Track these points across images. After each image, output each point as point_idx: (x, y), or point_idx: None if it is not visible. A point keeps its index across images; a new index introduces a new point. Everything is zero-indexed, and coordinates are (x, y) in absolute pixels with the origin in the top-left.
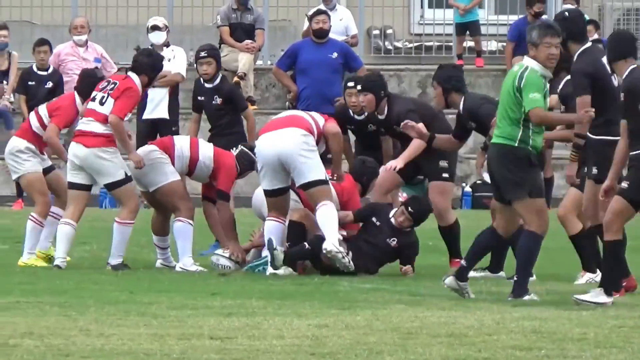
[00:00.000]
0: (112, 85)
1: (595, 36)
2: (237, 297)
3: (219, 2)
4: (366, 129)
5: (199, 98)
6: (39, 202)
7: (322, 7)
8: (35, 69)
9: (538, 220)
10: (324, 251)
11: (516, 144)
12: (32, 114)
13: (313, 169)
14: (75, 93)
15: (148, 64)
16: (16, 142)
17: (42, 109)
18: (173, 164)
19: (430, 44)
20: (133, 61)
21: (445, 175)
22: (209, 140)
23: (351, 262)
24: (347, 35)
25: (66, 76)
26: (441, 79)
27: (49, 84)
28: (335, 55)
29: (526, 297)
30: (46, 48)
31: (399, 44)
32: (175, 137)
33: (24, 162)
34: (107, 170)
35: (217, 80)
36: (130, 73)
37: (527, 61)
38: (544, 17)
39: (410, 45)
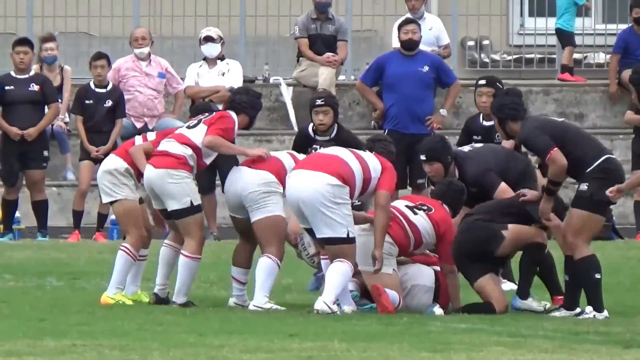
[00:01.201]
0: (207, 114)
1: None
2: (318, 338)
3: (296, 10)
4: None
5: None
6: (133, 233)
7: (409, 15)
8: (92, 85)
9: None
10: (314, 309)
11: None
12: (140, 138)
13: (334, 225)
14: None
15: (247, 102)
16: (116, 163)
17: (151, 136)
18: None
19: (532, 56)
20: (230, 101)
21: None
22: None
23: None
24: (438, 46)
25: (127, 94)
26: (494, 109)
27: (109, 103)
28: (426, 68)
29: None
30: (104, 62)
31: (496, 57)
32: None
33: (123, 185)
34: (172, 194)
35: (334, 133)
36: (229, 113)
37: None
38: None
39: (509, 57)
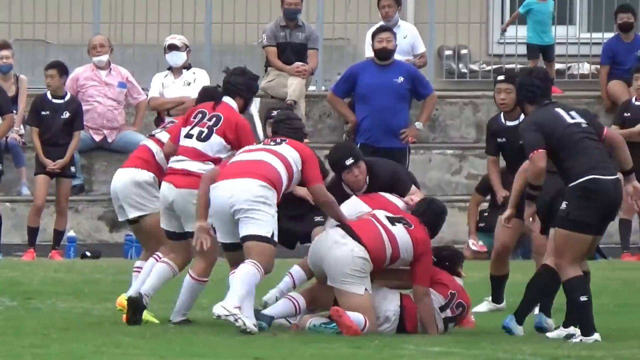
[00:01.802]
0: (215, 120)
1: None
2: None
3: (265, 17)
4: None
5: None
6: (151, 248)
7: (383, 23)
8: (49, 96)
9: None
10: (213, 314)
11: None
12: (150, 141)
13: (259, 225)
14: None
15: (243, 85)
16: (141, 174)
17: (163, 135)
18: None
19: (512, 65)
20: (224, 83)
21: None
22: None
23: (249, 324)
24: (413, 55)
25: (86, 104)
26: (516, 86)
27: (66, 114)
28: (401, 79)
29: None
30: (54, 72)
31: (475, 67)
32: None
33: (153, 198)
34: (194, 215)
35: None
36: (224, 98)
37: None
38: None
39: (489, 67)
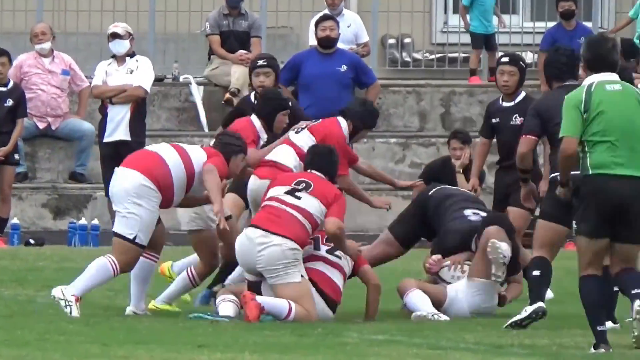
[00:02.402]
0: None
1: None
2: (228, 349)
3: (208, 6)
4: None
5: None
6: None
7: (327, 11)
8: None
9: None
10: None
11: None
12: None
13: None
14: (254, 116)
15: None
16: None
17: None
18: None
19: (456, 55)
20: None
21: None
22: None
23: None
24: (357, 44)
25: (29, 92)
26: (545, 62)
27: (9, 102)
28: (344, 68)
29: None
30: (4, 60)
31: (418, 55)
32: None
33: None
34: None
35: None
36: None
37: (613, 76)
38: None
39: (432, 56)
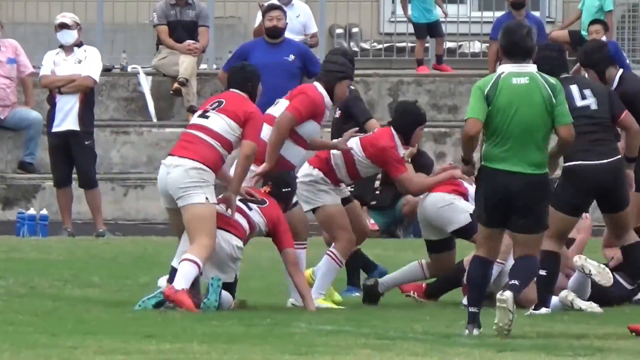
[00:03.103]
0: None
1: (604, 38)
2: (176, 340)
3: None
4: None
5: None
6: (341, 238)
7: (276, 1)
8: None
9: (538, 248)
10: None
11: (546, 171)
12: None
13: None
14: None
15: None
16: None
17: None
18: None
19: (403, 44)
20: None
21: None
22: None
23: None
24: (305, 34)
25: None
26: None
27: None
28: (291, 57)
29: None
30: None
31: (366, 45)
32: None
33: (319, 192)
34: None
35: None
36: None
37: (532, 67)
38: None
39: (380, 46)
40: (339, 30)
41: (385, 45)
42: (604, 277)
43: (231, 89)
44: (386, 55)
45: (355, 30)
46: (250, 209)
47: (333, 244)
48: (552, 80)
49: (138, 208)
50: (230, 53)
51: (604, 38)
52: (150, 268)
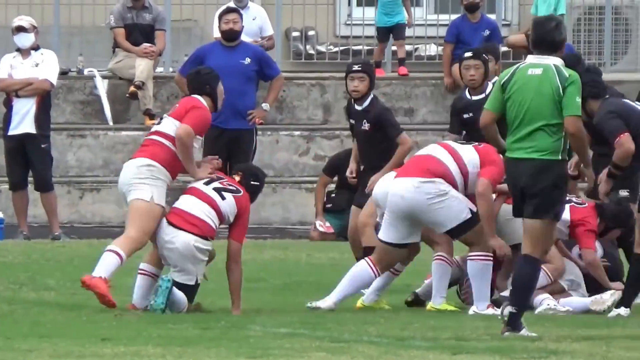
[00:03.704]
0: None
1: None
2: (132, 343)
3: None
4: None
5: (350, 121)
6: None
7: (232, 4)
8: None
9: (545, 246)
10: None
11: (560, 157)
12: None
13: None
14: None
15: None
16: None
17: None
18: None
19: (359, 47)
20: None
21: None
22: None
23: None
24: (261, 37)
25: None
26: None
27: None
28: (248, 60)
29: (523, 332)
30: None
31: (322, 48)
32: None
33: None
34: None
35: (367, 102)
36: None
37: (552, 60)
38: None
39: (336, 49)
40: (295, 33)
41: (342, 48)
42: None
43: (192, 95)
44: (342, 58)
45: (311, 33)
46: (223, 198)
47: (436, 249)
48: (568, 73)
49: (94, 211)
50: (187, 56)
51: None
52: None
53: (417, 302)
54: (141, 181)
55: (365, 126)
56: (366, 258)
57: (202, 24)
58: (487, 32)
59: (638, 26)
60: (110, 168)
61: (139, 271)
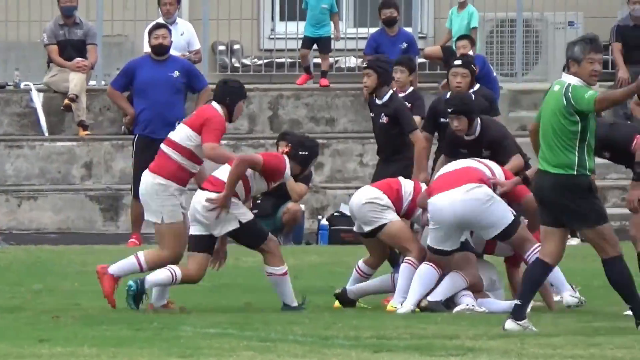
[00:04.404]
0: None
1: (471, 52)
2: (68, 344)
3: (47, 15)
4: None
5: (371, 114)
6: (414, 248)
7: (161, 20)
8: None
9: (612, 244)
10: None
11: (575, 172)
12: None
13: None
14: None
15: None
16: (371, 192)
17: None
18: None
19: (282, 60)
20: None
21: None
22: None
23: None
24: (188, 51)
25: None
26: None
27: None
28: (176, 73)
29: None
30: None
31: (247, 61)
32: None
33: (384, 210)
34: None
35: (386, 97)
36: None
37: (568, 78)
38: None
39: (260, 62)
40: (221, 47)
41: (265, 61)
42: None
43: (212, 102)
44: (266, 71)
45: (236, 47)
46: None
47: (407, 254)
48: (577, 85)
49: (31, 218)
50: (118, 70)
51: (471, 52)
52: (43, 275)
53: (343, 298)
54: (152, 200)
55: (384, 119)
56: (426, 262)
57: (132, 39)
58: (404, 45)
59: (548, 38)
60: (47, 177)
61: None
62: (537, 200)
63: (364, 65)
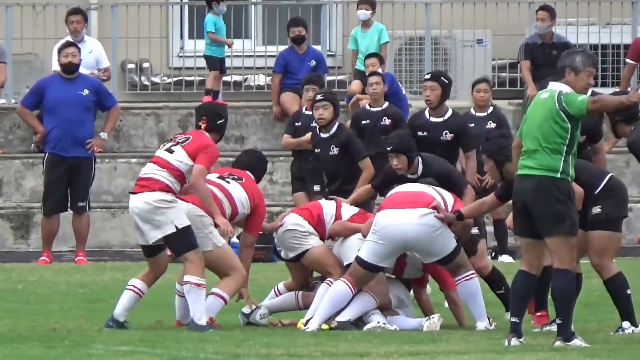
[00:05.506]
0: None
1: (380, 70)
2: None
3: None
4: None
5: (316, 150)
6: (336, 273)
7: (69, 39)
8: None
9: (571, 257)
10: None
11: (558, 176)
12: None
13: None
14: None
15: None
16: (295, 218)
17: None
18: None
19: (192, 78)
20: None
21: None
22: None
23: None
24: (98, 69)
25: None
26: (491, 152)
27: None
28: (86, 92)
29: (575, 341)
30: None
31: (156, 79)
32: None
33: (306, 236)
34: None
35: (334, 129)
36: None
37: (559, 86)
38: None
39: (169, 80)
40: (131, 65)
41: (175, 79)
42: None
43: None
44: (175, 89)
45: (146, 65)
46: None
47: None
48: (569, 92)
49: None
50: (28, 88)
51: (379, 70)
52: None
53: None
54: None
55: (334, 151)
56: (342, 278)
57: (42, 57)
58: (313, 63)
59: (456, 56)
60: None
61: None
62: (515, 209)
63: (321, 97)
